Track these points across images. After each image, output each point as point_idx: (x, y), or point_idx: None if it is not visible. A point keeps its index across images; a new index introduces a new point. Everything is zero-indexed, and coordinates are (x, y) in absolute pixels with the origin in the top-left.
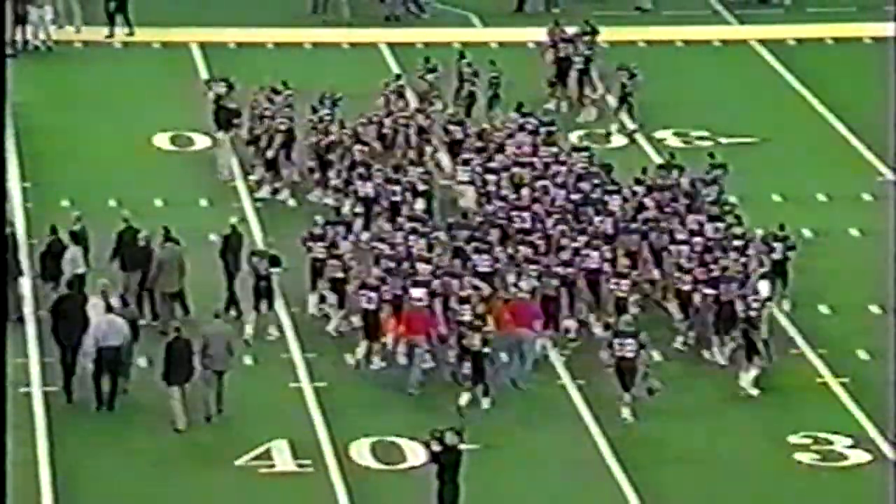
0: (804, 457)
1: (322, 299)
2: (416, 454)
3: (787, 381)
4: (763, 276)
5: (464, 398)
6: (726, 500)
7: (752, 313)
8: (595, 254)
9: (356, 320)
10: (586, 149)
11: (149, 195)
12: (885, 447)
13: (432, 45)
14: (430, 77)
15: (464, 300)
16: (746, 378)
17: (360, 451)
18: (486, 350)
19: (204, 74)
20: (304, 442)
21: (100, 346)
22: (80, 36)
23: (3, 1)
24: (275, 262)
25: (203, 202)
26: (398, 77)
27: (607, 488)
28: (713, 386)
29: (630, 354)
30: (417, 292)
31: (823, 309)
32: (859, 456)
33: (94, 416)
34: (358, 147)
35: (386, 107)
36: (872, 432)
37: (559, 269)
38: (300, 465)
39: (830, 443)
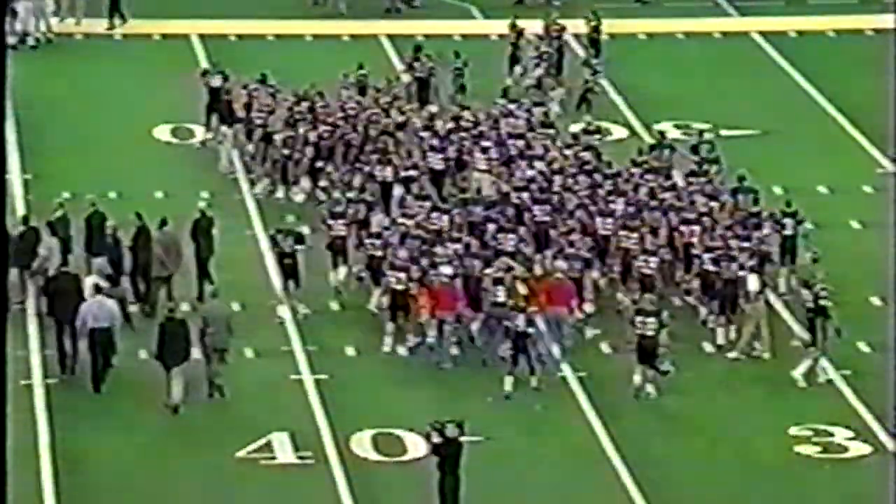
0: (805, 449)
1: (360, 279)
2: (416, 446)
3: (788, 374)
4: (752, 270)
5: (508, 383)
6: (728, 492)
7: (822, 302)
8: (625, 233)
9: (384, 300)
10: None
11: (149, 187)
12: (886, 439)
13: (433, 36)
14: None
15: (497, 281)
16: (800, 368)
17: (361, 443)
18: (531, 330)
19: (205, 66)
20: (305, 434)
21: (91, 327)
22: (81, 28)
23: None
24: (300, 239)
25: (204, 194)
26: (360, 67)
27: (608, 480)
28: (714, 379)
29: (651, 332)
30: (447, 269)
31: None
32: (860, 448)
33: (95, 407)
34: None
35: (339, 100)
36: (873, 424)
37: (585, 253)
38: (301, 458)
39: (831, 435)
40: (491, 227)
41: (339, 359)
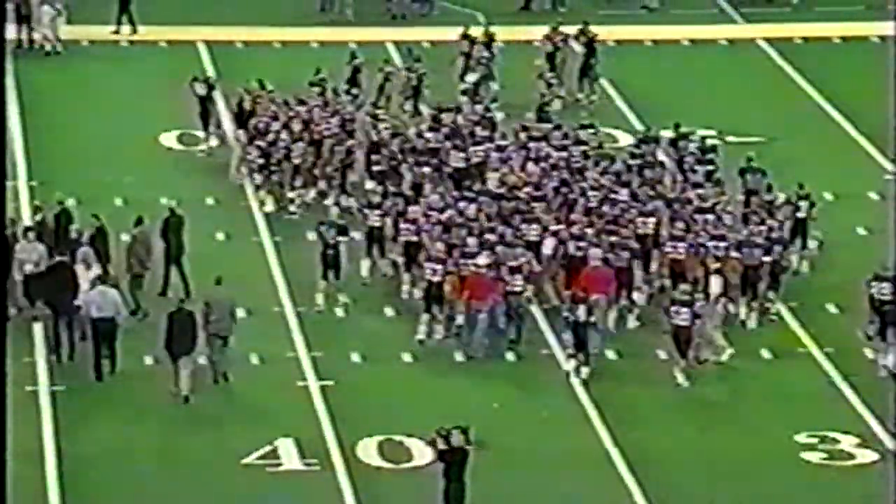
0: (811, 456)
1: (394, 265)
2: (422, 453)
3: (794, 380)
4: (716, 272)
5: (570, 364)
6: (734, 499)
7: None
8: (642, 220)
9: (417, 292)
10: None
11: (155, 194)
12: (893, 446)
13: (438, 43)
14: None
15: (515, 270)
16: (889, 359)
17: (367, 450)
18: (592, 320)
19: (211, 73)
20: (311, 441)
21: (94, 317)
22: (87, 34)
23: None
24: (343, 231)
25: (210, 201)
26: (318, 71)
27: (613, 487)
28: (719, 385)
29: (684, 323)
30: (482, 259)
31: (831, 308)
32: (866, 455)
33: (100, 411)
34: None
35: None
36: (879, 431)
37: (632, 242)
38: (307, 464)
39: (838, 442)
40: (517, 217)
41: (344, 365)
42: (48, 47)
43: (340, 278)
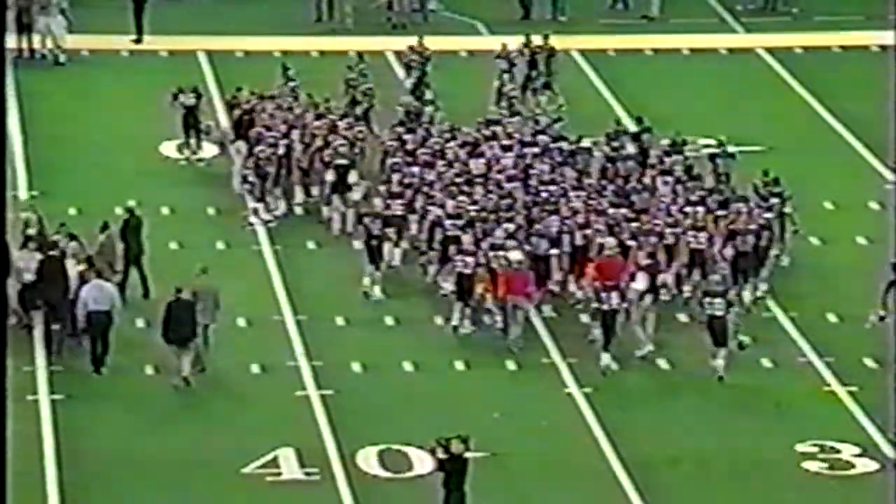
0: (812, 465)
1: (418, 250)
2: (422, 462)
3: (794, 390)
4: (644, 268)
5: (605, 359)
6: None
7: None
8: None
9: (448, 285)
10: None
11: (156, 203)
12: (893, 455)
13: (439, 53)
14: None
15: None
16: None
17: (368, 460)
18: (625, 306)
19: (211, 82)
20: (311, 450)
21: (90, 310)
22: (88, 44)
23: (2, 4)
24: (387, 222)
25: (210, 210)
26: (286, 69)
27: (613, 497)
28: (720, 394)
29: (719, 312)
30: (517, 255)
31: (831, 317)
32: (867, 464)
33: (98, 418)
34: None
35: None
36: (880, 441)
37: (658, 228)
38: (307, 474)
39: (838, 451)
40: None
41: (345, 374)
42: (50, 57)
43: (380, 269)
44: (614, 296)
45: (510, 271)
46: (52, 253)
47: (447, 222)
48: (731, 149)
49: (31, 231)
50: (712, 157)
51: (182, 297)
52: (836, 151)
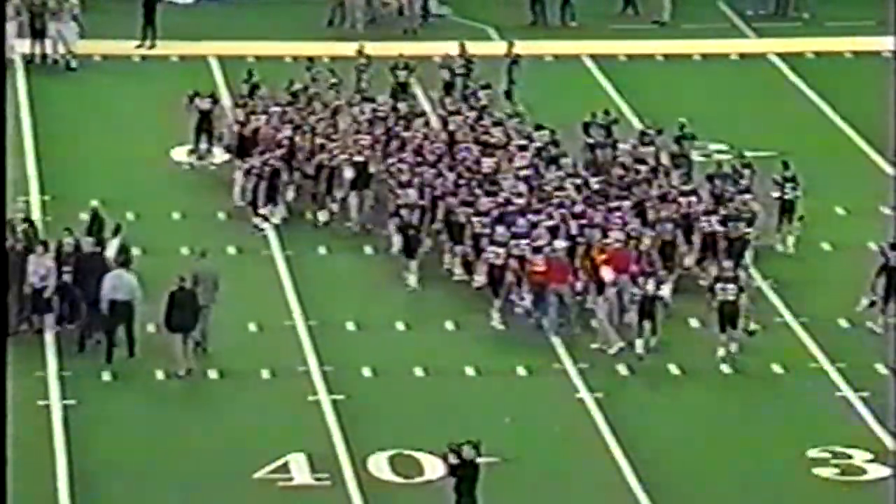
0: (824, 471)
1: (438, 233)
2: (434, 467)
3: (805, 395)
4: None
5: (639, 344)
6: None
7: None
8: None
9: (481, 278)
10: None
11: (167, 208)
12: (893, 446)
13: (448, 58)
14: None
15: (537, 250)
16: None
17: (379, 465)
18: (661, 293)
19: (222, 87)
20: (322, 455)
21: (110, 299)
22: (100, 49)
23: (2, 4)
24: (424, 212)
25: (221, 216)
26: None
27: (624, 502)
28: (731, 400)
29: (732, 297)
30: (560, 243)
31: (842, 322)
32: (879, 470)
33: (108, 423)
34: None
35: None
36: (892, 446)
37: (675, 216)
38: (318, 479)
39: (850, 457)
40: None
41: (356, 379)
42: (62, 62)
43: (415, 258)
44: (651, 282)
45: (552, 259)
46: (91, 250)
47: (475, 219)
48: (688, 130)
49: (41, 236)
50: (677, 139)
51: (185, 286)
52: (847, 156)
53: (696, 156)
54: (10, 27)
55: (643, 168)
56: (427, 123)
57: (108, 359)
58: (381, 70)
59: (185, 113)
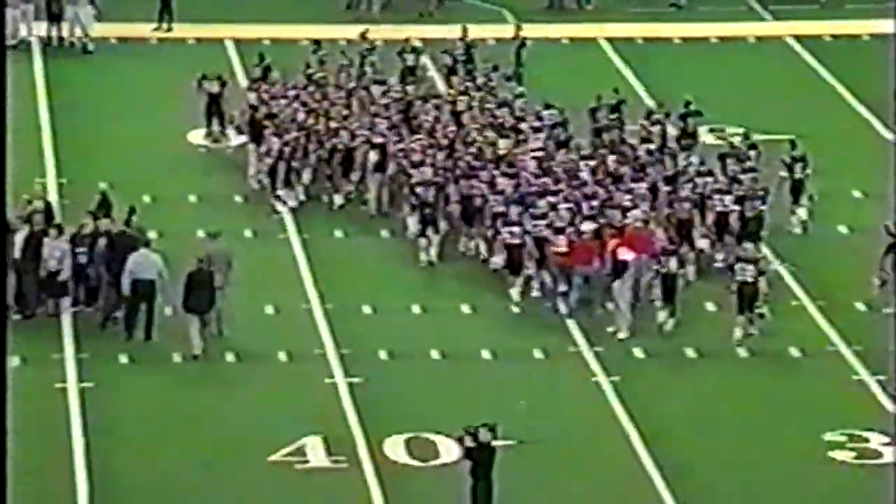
0: (840, 454)
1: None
2: (450, 451)
3: (822, 379)
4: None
5: (661, 315)
6: (762, 498)
7: None
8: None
9: (499, 260)
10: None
11: (183, 192)
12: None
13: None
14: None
15: (559, 231)
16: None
17: (395, 448)
18: (683, 272)
19: (239, 70)
20: (339, 438)
21: (134, 278)
22: (116, 32)
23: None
24: (440, 188)
25: (238, 199)
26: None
27: (640, 485)
28: (748, 384)
29: (751, 279)
30: (587, 226)
31: (859, 306)
32: (895, 453)
33: (126, 406)
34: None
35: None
36: None
37: (690, 195)
38: (334, 462)
39: (866, 440)
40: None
41: (372, 362)
42: (79, 45)
43: (439, 232)
44: (673, 261)
45: (578, 241)
46: (125, 229)
47: (492, 198)
48: (694, 107)
49: (58, 220)
50: (682, 116)
51: (203, 268)
52: (864, 139)
53: (710, 138)
54: (28, 10)
55: (652, 147)
56: (438, 107)
57: (129, 336)
58: (390, 54)
59: (200, 96)
